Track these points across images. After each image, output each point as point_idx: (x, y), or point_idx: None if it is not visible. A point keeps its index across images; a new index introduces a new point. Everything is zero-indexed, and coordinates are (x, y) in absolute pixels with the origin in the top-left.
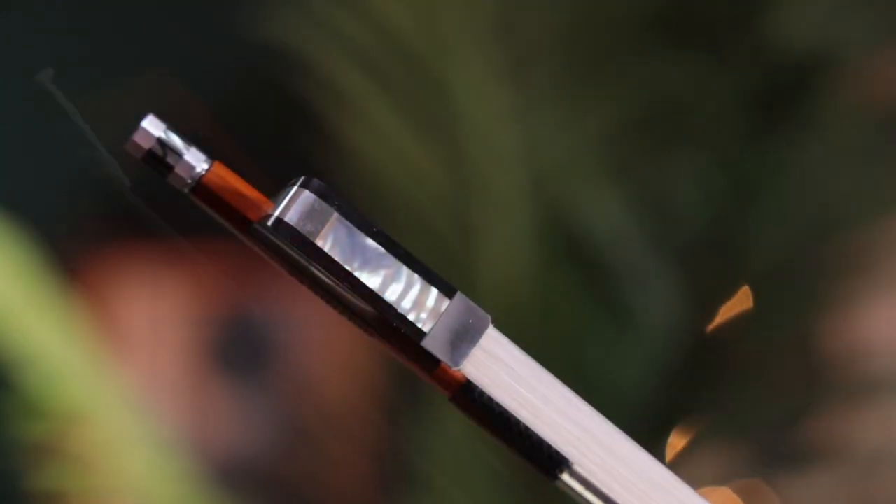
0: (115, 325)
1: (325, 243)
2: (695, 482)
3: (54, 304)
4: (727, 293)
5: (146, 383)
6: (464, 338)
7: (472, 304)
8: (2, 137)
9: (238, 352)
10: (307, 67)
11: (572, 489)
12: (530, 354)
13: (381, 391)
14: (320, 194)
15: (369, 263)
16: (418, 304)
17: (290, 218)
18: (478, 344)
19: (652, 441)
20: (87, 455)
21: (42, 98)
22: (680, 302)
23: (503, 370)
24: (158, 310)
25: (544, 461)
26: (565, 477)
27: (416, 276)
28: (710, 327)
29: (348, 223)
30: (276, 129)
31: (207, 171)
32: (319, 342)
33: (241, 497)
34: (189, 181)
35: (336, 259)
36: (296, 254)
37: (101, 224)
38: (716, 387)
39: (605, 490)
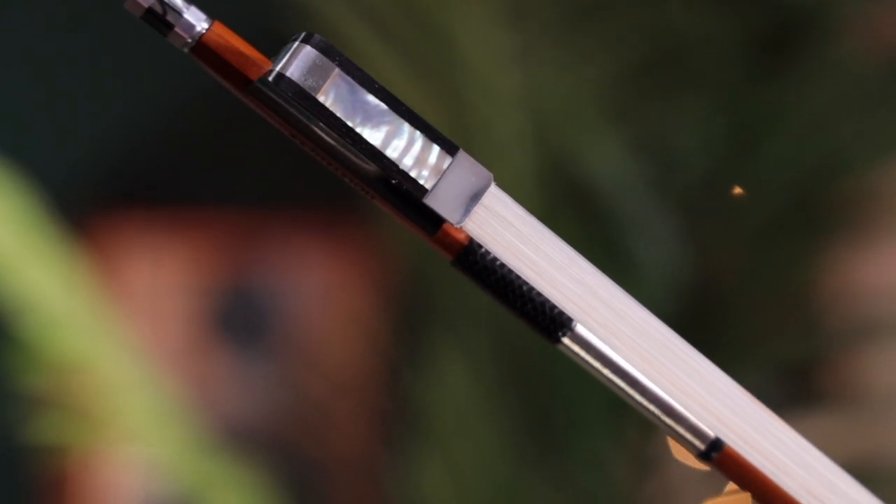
0: (117, 292)
1: (327, 99)
2: None
3: (57, 256)
4: (727, 239)
5: (148, 350)
6: (466, 195)
7: (474, 161)
8: (22, 97)
9: (239, 319)
10: (306, 13)
11: (574, 352)
12: None
13: (381, 349)
14: (321, 49)
15: (371, 119)
16: (420, 161)
17: (292, 73)
18: (480, 201)
19: None
20: (87, 406)
21: (62, 59)
22: (680, 248)
23: (506, 228)
24: (160, 278)
25: (547, 323)
26: (566, 341)
27: (417, 133)
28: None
29: (350, 79)
30: None
31: (208, 30)
32: (319, 307)
33: (245, 456)
34: (189, 40)
35: (337, 115)
36: (297, 112)
37: (109, 188)
38: (717, 332)
39: (607, 351)
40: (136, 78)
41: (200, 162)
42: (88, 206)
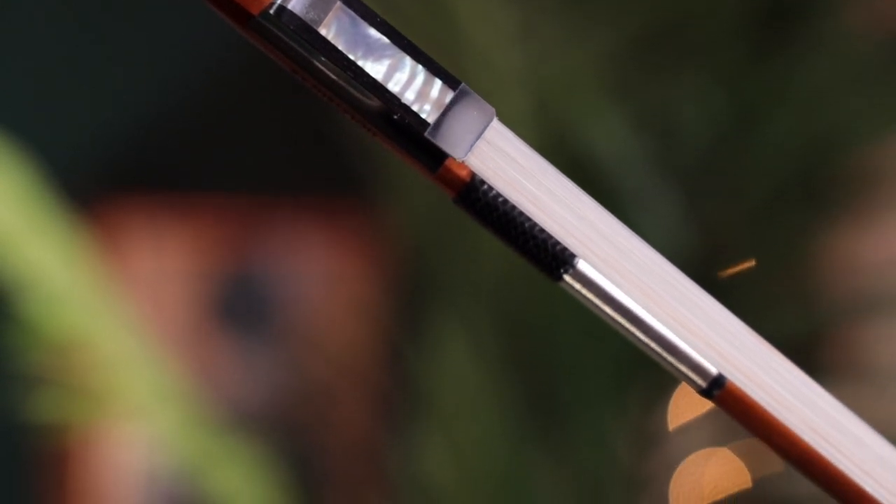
0: (120, 276)
1: (329, 32)
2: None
3: (60, 236)
4: (729, 215)
5: (151, 331)
6: (468, 130)
7: (477, 96)
8: (29, 82)
9: (242, 303)
10: None
11: (576, 290)
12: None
13: (383, 331)
14: None
15: (372, 53)
16: (422, 94)
17: (293, 6)
18: (482, 136)
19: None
20: (88, 383)
21: (71, 44)
22: (682, 223)
23: (508, 163)
24: (163, 263)
25: (549, 260)
26: (568, 278)
27: (419, 66)
28: None
29: (351, 12)
30: None
31: None
32: (321, 290)
33: (248, 436)
34: None
35: (339, 48)
36: (298, 46)
37: (114, 173)
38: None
39: (608, 287)
40: (142, 64)
41: (204, 148)
42: (93, 189)
